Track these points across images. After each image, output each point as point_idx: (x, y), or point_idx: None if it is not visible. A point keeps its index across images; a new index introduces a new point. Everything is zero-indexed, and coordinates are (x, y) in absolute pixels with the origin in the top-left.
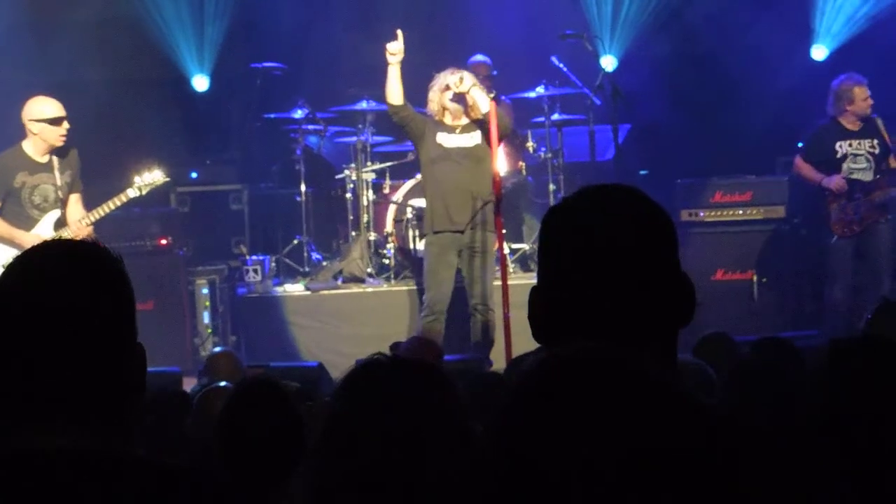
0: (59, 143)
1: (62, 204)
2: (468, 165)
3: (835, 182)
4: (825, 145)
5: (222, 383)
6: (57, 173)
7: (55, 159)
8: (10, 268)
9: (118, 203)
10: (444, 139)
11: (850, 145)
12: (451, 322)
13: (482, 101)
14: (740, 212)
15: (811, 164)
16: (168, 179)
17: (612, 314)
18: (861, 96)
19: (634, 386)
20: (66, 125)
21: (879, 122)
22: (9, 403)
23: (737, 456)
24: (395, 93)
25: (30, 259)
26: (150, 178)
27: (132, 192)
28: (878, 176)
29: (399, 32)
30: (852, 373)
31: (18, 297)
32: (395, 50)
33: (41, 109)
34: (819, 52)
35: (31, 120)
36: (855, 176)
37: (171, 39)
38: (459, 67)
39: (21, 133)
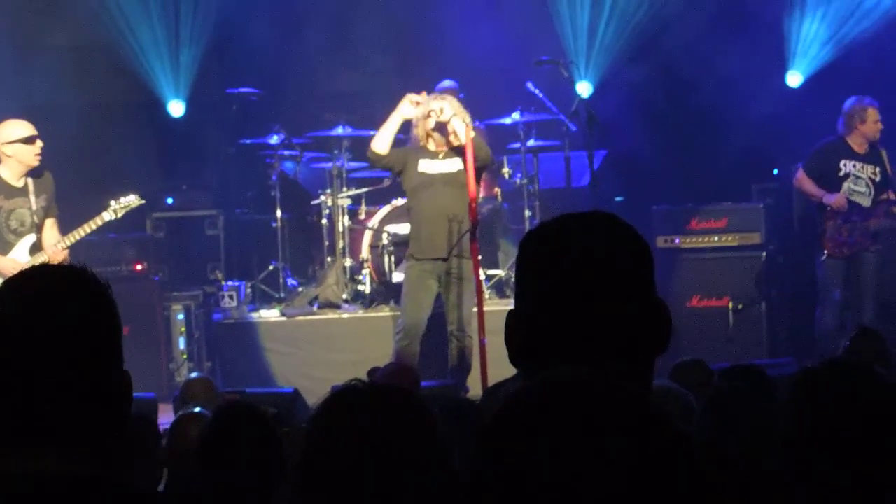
0: (35, 161)
1: (37, 228)
2: (451, 191)
3: (836, 199)
4: (830, 161)
5: (196, 409)
6: (32, 197)
7: (30, 183)
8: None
9: (93, 227)
10: (426, 166)
11: (855, 166)
12: (428, 348)
13: (461, 132)
14: (716, 238)
15: (813, 179)
16: (143, 202)
17: (589, 339)
18: (873, 118)
19: (620, 408)
20: (39, 143)
21: (884, 153)
22: None
23: (711, 483)
24: (386, 143)
25: (17, 284)
26: (125, 201)
27: (107, 216)
28: (875, 204)
29: (424, 93)
30: (815, 400)
31: (5, 322)
32: (418, 101)
33: (12, 131)
34: (794, 79)
35: (4, 143)
36: (854, 198)
37: (146, 64)
38: (430, 92)
39: None
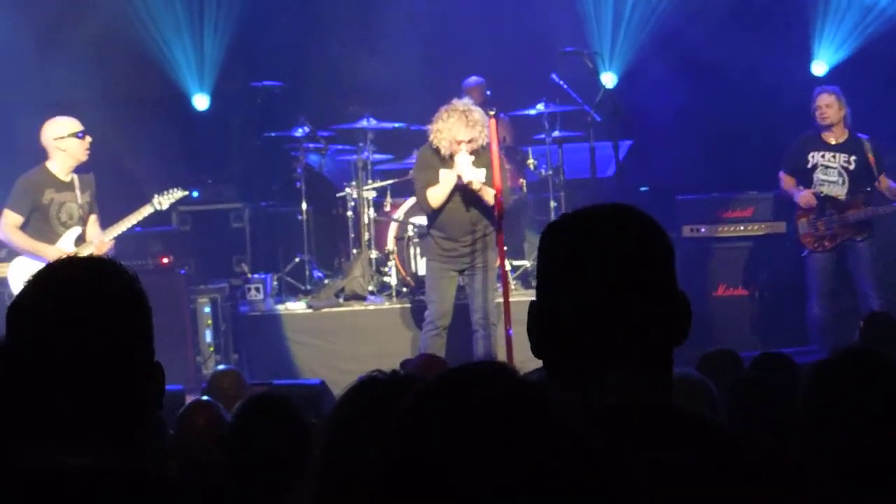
0: (85, 157)
1: (82, 222)
2: (471, 200)
3: (801, 196)
4: (799, 154)
5: (204, 398)
6: (78, 192)
7: (76, 179)
8: (33, 283)
9: (138, 218)
10: (451, 175)
11: (823, 157)
12: (452, 338)
13: (489, 197)
14: (742, 227)
15: (790, 174)
16: (187, 193)
17: (609, 330)
18: (820, 102)
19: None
20: (88, 139)
21: (868, 144)
22: (29, 419)
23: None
24: (441, 201)
25: (52, 275)
26: (170, 195)
27: (151, 208)
28: (853, 194)
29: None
30: (828, 390)
31: (40, 312)
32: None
33: (64, 127)
34: (819, 68)
35: (56, 139)
36: (824, 189)
37: (171, 58)
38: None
39: (25, 151)
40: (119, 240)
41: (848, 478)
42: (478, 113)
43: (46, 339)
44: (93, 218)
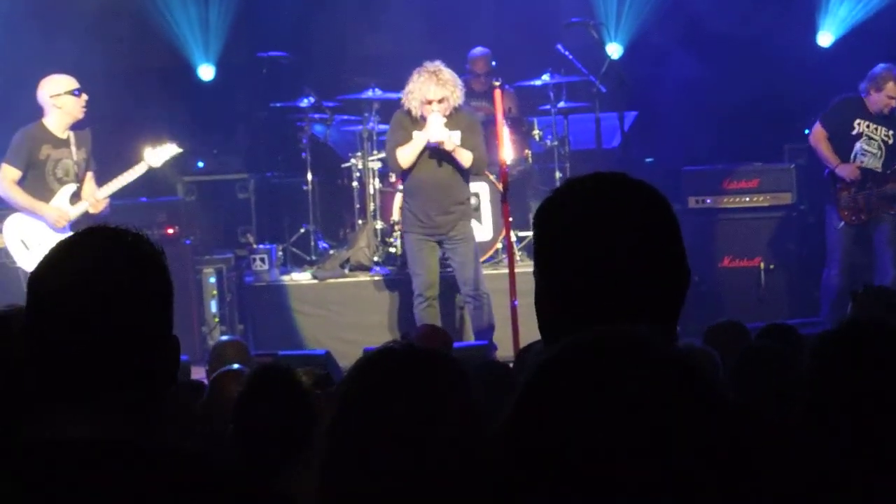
0: (81, 114)
1: (78, 179)
2: (445, 166)
3: (848, 170)
4: (845, 118)
5: (235, 366)
6: (74, 149)
7: (72, 136)
8: (56, 252)
9: (133, 176)
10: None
11: (868, 127)
12: (447, 309)
13: (464, 158)
14: (747, 199)
15: (828, 133)
16: (182, 150)
17: (612, 300)
18: (891, 91)
19: (658, 370)
20: (85, 96)
21: None
22: (45, 387)
23: (746, 444)
24: (411, 161)
25: (73, 247)
26: (164, 151)
27: (144, 166)
28: (890, 167)
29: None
30: (833, 361)
31: (60, 284)
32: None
33: (60, 84)
34: (825, 39)
35: (53, 95)
36: (865, 160)
37: (176, 29)
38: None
39: (32, 116)
40: (124, 210)
41: (851, 450)
42: (448, 73)
43: (65, 308)
44: (89, 175)
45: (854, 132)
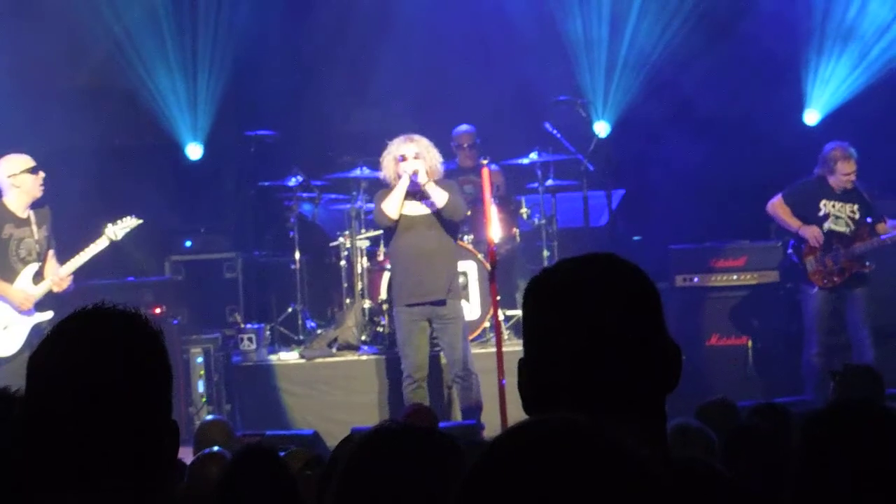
0: (40, 192)
1: (40, 257)
2: (433, 235)
3: (811, 232)
4: (810, 200)
5: (216, 448)
6: (35, 227)
7: (32, 214)
8: (54, 336)
9: (93, 251)
10: (408, 208)
11: (834, 206)
12: (435, 389)
13: (438, 196)
14: (734, 277)
15: (793, 213)
16: (141, 221)
17: (598, 383)
18: (843, 170)
19: (601, 457)
20: (42, 174)
21: (861, 190)
22: (43, 473)
23: None
24: (397, 210)
25: (75, 327)
26: (123, 224)
27: (106, 240)
28: (857, 229)
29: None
30: (824, 442)
31: (61, 365)
32: (411, 169)
33: (17, 163)
34: (811, 117)
35: (10, 175)
36: (833, 228)
37: (164, 107)
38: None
39: None
40: (111, 289)
41: None
42: (421, 136)
43: (62, 393)
44: (50, 253)
45: (821, 213)
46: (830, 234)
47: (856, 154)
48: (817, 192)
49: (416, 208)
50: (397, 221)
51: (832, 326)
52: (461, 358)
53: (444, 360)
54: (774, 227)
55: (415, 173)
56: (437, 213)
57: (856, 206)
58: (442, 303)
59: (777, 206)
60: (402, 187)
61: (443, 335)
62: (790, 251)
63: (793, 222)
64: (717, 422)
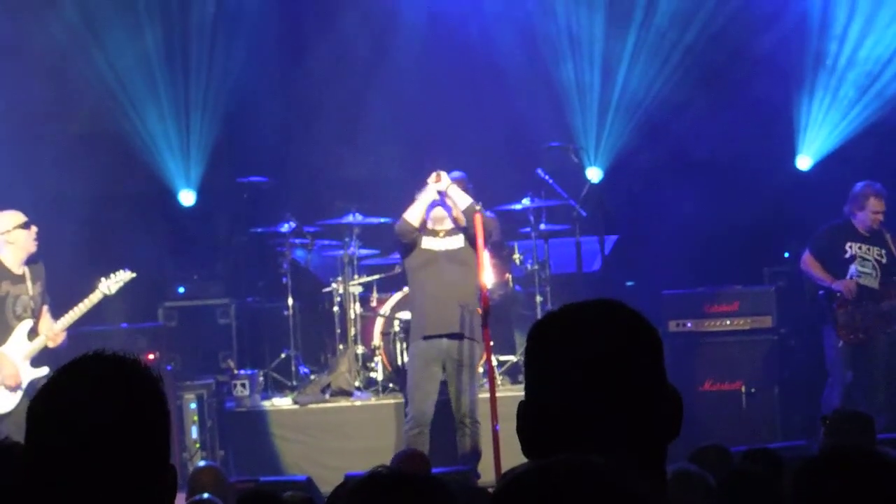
0: (34, 246)
1: (35, 314)
2: (454, 269)
3: (845, 285)
4: (835, 244)
5: (205, 495)
6: (30, 283)
7: (27, 270)
8: (54, 382)
9: (87, 306)
10: (430, 243)
11: (860, 248)
12: (437, 434)
13: (460, 199)
14: (728, 322)
15: (819, 261)
16: (134, 275)
17: (599, 429)
18: (874, 207)
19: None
20: (34, 228)
21: (888, 235)
22: None
23: None
24: (418, 217)
25: (74, 374)
26: (117, 278)
27: (100, 294)
28: (885, 285)
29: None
30: (816, 489)
31: (61, 412)
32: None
33: (9, 220)
34: (804, 162)
35: (3, 232)
36: (863, 281)
37: (156, 154)
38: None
39: None
40: (104, 336)
41: None
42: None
43: (62, 434)
44: (45, 309)
45: (847, 255)
46: (861, 289)
47: (886, 193)
48: (842, 235)
49: (438, 243)
50: (415, 244)
51: (853, 371)
52: (468, 406)
53: (451, 405)
54: (768, 271)
55: (437, 180)
56: (458, 251)
57: (883, 251)
58: (459, 338)
59: (809, 263)
60: (425, 197)
61: (453, 380)
62: (821, 293)
63: (826, 277)
64: (710, 467)
